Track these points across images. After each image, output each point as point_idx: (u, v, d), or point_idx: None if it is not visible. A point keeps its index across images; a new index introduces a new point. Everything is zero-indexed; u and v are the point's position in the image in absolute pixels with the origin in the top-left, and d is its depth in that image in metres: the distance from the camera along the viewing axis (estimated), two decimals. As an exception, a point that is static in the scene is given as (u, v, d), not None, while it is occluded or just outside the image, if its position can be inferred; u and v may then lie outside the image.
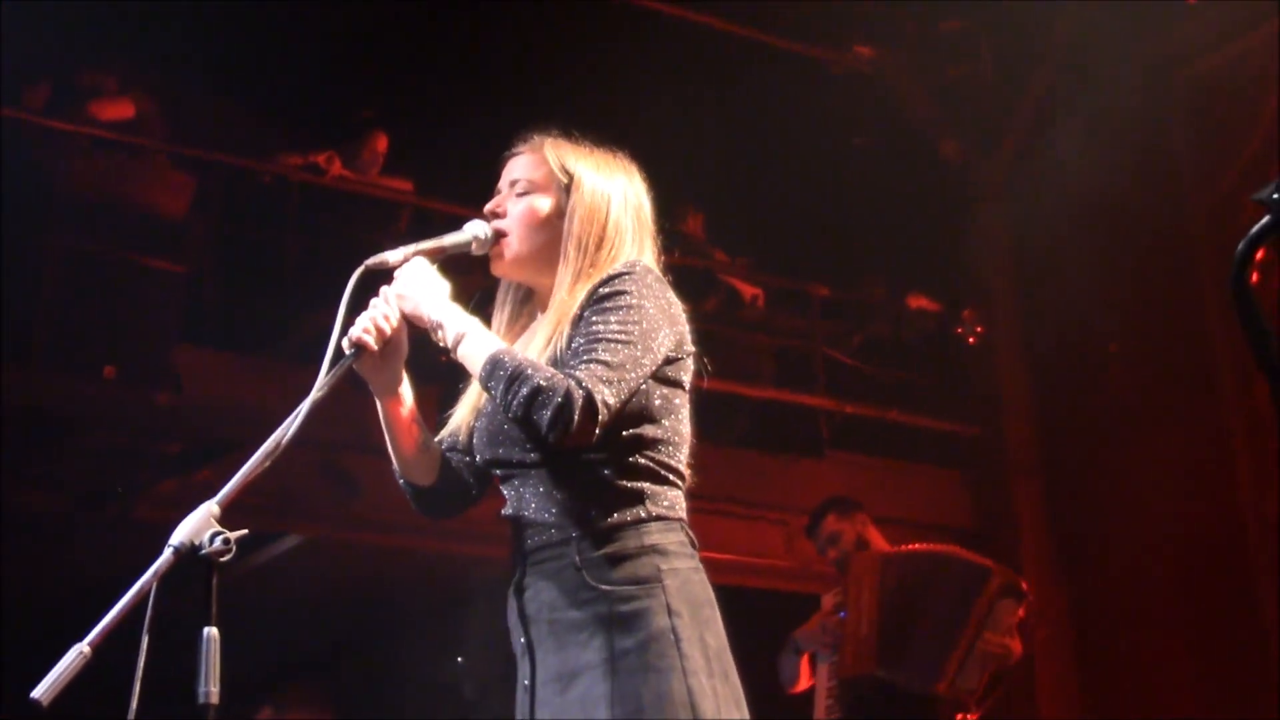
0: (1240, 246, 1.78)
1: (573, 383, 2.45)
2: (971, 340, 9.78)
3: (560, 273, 2.71)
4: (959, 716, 6.03)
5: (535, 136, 2.86)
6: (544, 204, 2.76)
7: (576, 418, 2.43)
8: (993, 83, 9.58)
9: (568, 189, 2.76)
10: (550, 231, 2.74)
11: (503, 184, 2.83)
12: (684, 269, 7.62)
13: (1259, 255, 1.79)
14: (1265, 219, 1.77)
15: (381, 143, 8.49)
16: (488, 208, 2.81)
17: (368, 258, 2.69)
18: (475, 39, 8.27)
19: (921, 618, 6.14)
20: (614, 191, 2.78)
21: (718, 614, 2.58)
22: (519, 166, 2.82)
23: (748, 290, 9.43)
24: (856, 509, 6.55)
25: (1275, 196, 1.76)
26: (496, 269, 2.80)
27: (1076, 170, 8.82)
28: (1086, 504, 9.06)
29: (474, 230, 2.81)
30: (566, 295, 2.66)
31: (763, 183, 9.42)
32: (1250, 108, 8.55)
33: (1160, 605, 8.59)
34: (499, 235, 2.77)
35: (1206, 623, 8.37)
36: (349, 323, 2.63)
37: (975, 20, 9.53)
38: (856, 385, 9.44)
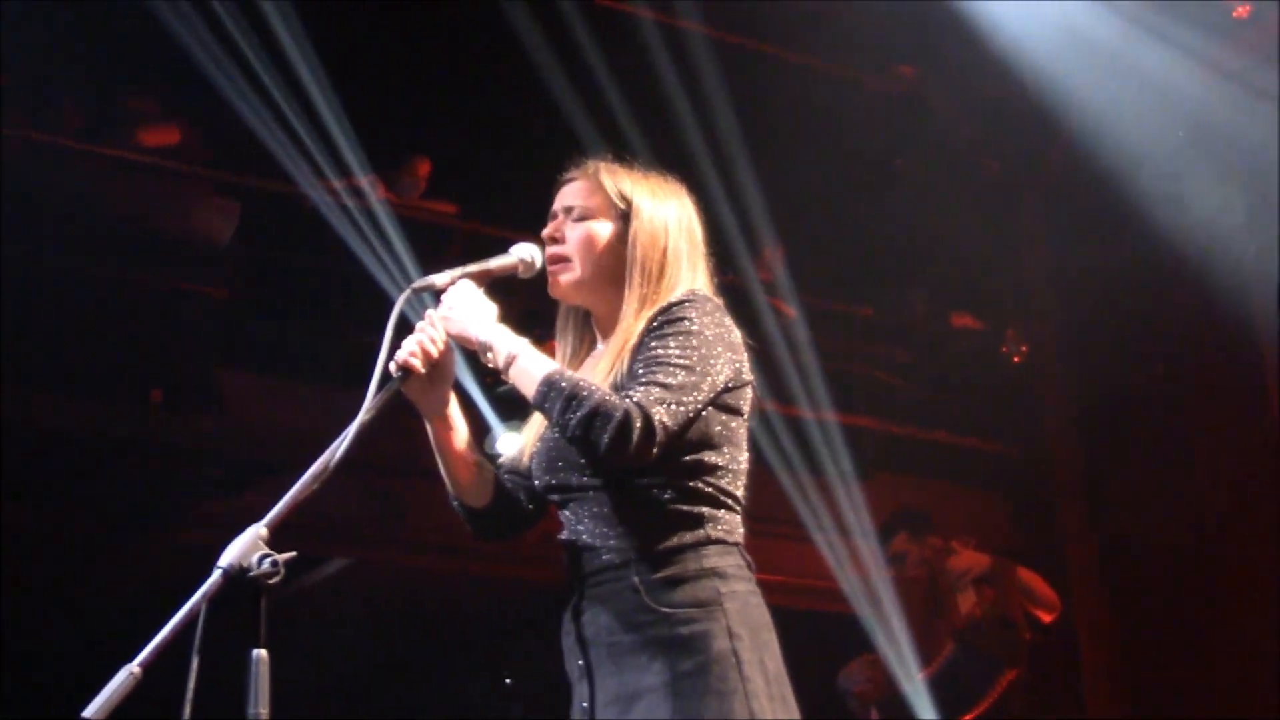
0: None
1: (630, 404, 2.46)
2: (1016, 359, 9.72)
3: (626, 299, 2.72)
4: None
5: (588, 162, 2.87)
6: (602, 229, 2.77)
7: (634, 438, 2.43)
8: (1035, 100, 9.52)
9: (625, 215, 2.77)
10: (610, 257, 2.76)
11: (557, 209, 2.84)
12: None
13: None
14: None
15: (424, 167, 8.52)
16: (545, 233, 2.82)
17: (413, 281, 2.70)
18: (520, 63, 8.28)
19: (930, 628, 6.39)
20: (670, 216, 2.80)
21: (775, 637, 2.58)
22: (573, 193, 2.83)
23: (788, 311, 9.40)
24: (929, 530, 6.71)
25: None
26: (555, 292, 2.80)
27: (1123, 185, 8.75)
28: (1133, 525, 8.97)
29: (520, 253, 2.82)
30: (633, 320, 2.68)
31: (803, 203, 9.39)
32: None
33: (1211, 627, 8.49)
34: (558, 260, 2.78)
35: (1256, 645, 8.27)
36: (395, 346, 2.64)
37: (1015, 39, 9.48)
38: (901, 406, 9.40)
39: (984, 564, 6.67)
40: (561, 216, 2.82)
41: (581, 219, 2.79)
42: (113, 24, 7.40)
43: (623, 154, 2.92)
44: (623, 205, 2.78)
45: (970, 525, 8.78)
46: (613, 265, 2.75)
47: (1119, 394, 9.18)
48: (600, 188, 2.80)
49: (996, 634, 6.57)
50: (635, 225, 2.76)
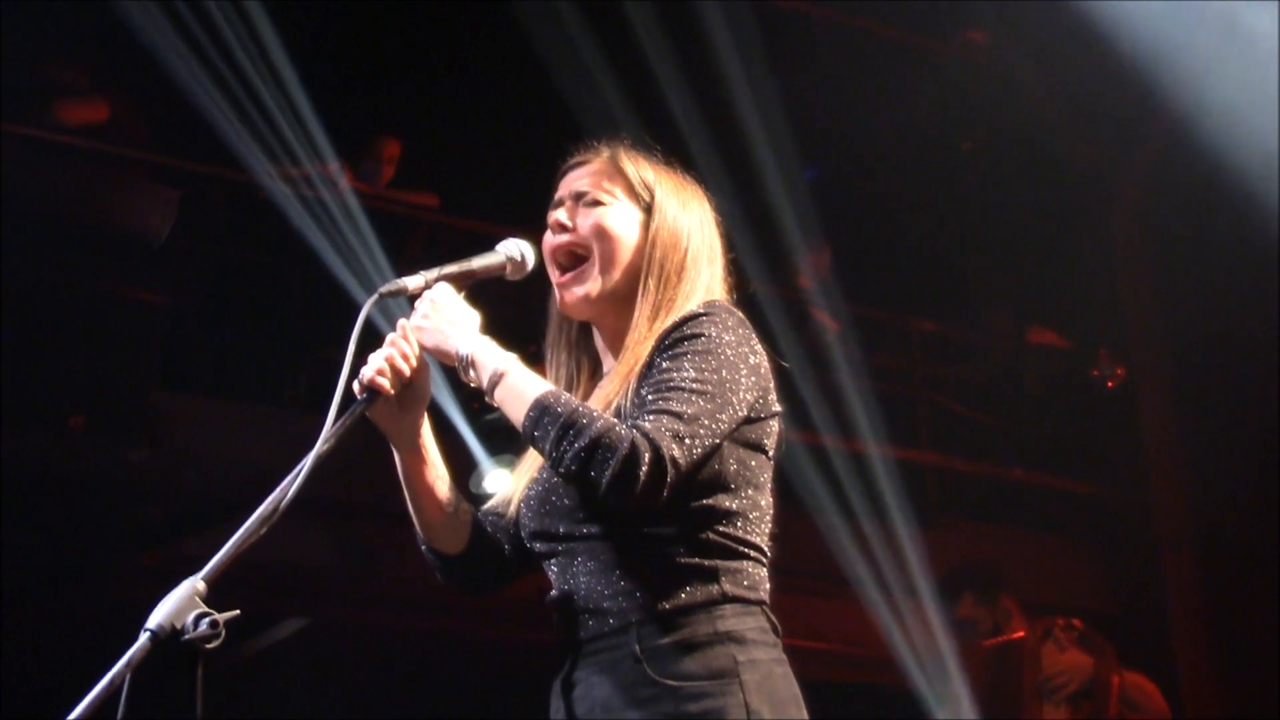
0: None
1: (638, 435, 2.44)
2: (1110, 384, 9.70)
3: (639, 307, 2.72)
4: None
5: (604, 145, 2.88)
6: (622, 220, 2.78)
7: (642, 476, 2.41)
8: (1132, 73, 9.51)
9: (648, 209, 2.79)
10: (629, 254, 2.76)
11: (563, 195, 2.84)
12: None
13: None
14: None
15: (393, 148, 8.53)
16: (552, 219, 2.82)
17: (382, 284, 2.70)
18: (512, 33, 8.30)
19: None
20: (693, 217, 2.81)
21: (805, 714, 2.56)
22: (587, 177, 2.83)
23: (831, 323, 9.40)
24: (999, 591, 6.77)
25: None
26: (569, 307, 2.79)
27: (1235, 175, 8.73)
28: (1250, 582, 8.94)
29: (508, 250, 2.82)
30: (645, 332, 2.68)
31: (854, 193, 9.39)
32: None
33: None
34: (571, 258, 2.78)
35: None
36: (360, 362, 2.64)
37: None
38: (970, 438, 9.38)
39: (1085, 673, 6.71)
40: (570, 203, 2.82)
41: (596, 205, 2.79)
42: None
43: (640, 139, 2.93)
44: (645, 196, 2.80)
45: (1053, 583, 8.77)
46: (631, 265, 2.76)
47: (1234, 426, 9.15)
48: (620, 173, 2.82)
49: None
50: (657, 221, 2.78)
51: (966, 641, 6.92)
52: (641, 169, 2.82)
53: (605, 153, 2.86)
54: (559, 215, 2.81)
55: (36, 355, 6.69)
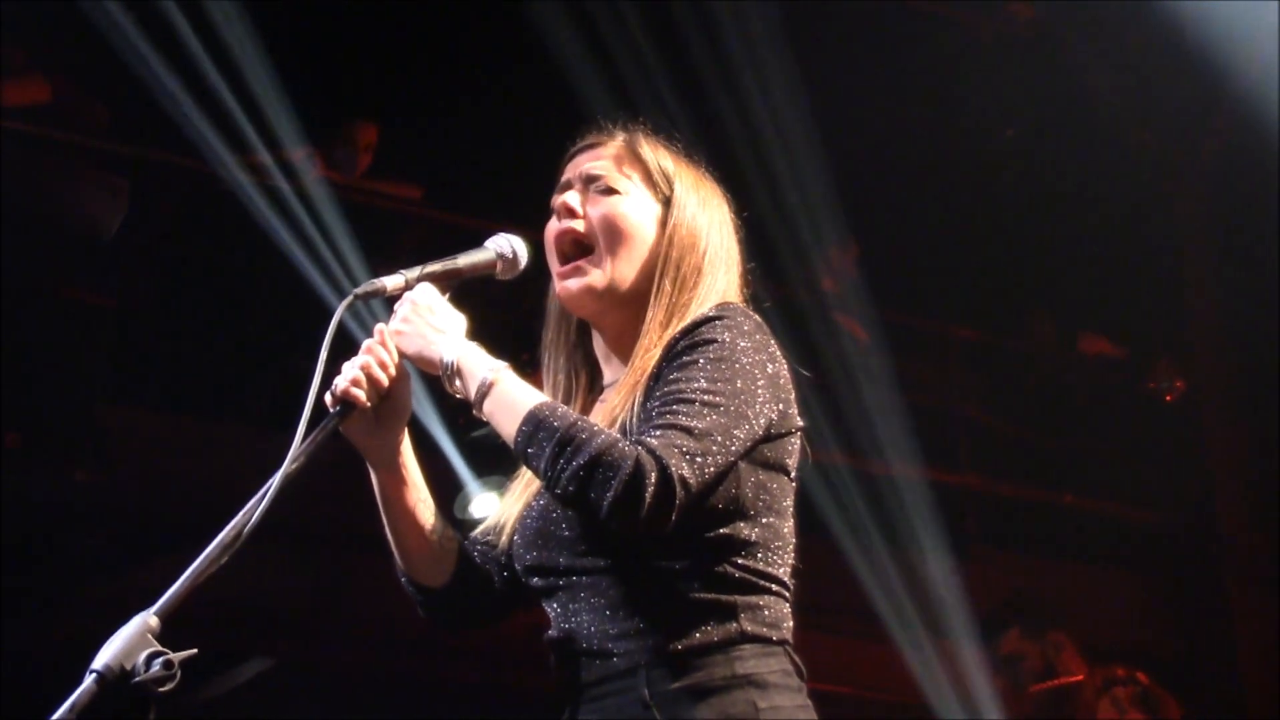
0: None
1: (643, 452, 2.43)
2: (1169, 397, 9.70)
3: (651, 311, 2.72)
4: None
5: (619, 128, 2.88)
6: (640, 211, 2.78)
7: (647, 498, 2.40)
8: (1197, 49, 9.51)
9: (666, 201, 2.79)
10: (643, 250, 2.76)
11: (572, 177, 2.84)
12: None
13: None
14: None
15: (369, 134, 8.53)
16: (562, 202, 2.81)
17: (358, 285, 2.69)
18: (509, 8, 8.31)
19: None
20: (712, 216, 2.82)
21: (832, 767, 2.56)
22: (600, 160, 2.83)
23: (859, 331, 9.40)
24: (1049, 626, 6.78)
25: None
26: (569, 298, 2.79)
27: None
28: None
29: (499, 246, 2.81)
30: (657, 337, 2.67)
31: (883, 185, 9.39)
32: None
33: None
34: (576, 246, 2.78)
35: None
36: (333, 372, 2.63)
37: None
38: (1013, 459, 9.37)
39: None
40: (580, 187, 2.83)
41: (610, 193, 2.80)
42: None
43: (659, 123, 2.93)
44: (664, 188, 2.81)
45: (1108, 621, 8.76)
46: (644, 263, 2.76)
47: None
48: (637, 160, 2.83)
49: None
50: (675, 217, 2.78)
51: (1011, 684, 6.90)
52: (661, 158, 2.83)
53: (621, 136, 2.87)
54: (567, 199, 2.81)
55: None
